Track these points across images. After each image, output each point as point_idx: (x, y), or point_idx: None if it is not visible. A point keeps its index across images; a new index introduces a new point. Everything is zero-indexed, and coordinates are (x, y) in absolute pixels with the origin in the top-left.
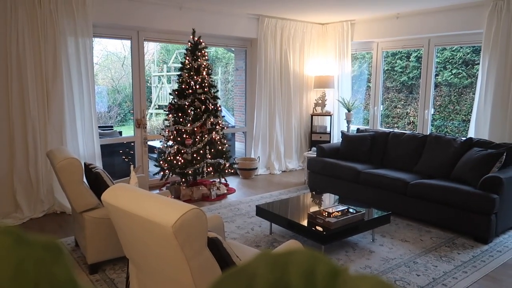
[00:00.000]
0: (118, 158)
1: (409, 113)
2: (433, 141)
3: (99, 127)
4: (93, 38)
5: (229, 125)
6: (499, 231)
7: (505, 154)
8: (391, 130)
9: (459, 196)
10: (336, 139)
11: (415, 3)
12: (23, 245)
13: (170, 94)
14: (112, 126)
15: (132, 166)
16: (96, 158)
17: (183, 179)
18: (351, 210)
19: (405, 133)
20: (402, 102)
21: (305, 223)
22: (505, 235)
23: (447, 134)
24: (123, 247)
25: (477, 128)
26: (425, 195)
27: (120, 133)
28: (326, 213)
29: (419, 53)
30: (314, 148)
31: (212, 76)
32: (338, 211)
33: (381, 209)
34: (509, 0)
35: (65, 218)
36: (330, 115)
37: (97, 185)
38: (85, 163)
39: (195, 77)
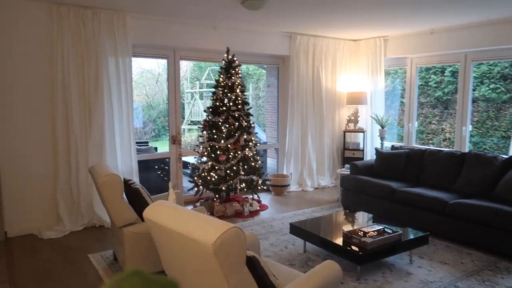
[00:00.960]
0: (153, 174)
1: (445, 129)
2: (472, 159)
3: (136, 143)
4: (132, 57)
5: (261, 141)
6: None
7: None
8: (427, 147)
9: (502, 217)
10: (369, 156)
11: (449, 18)
12: (149, 284)
13: (204, 111)
14: (147, 142)
15: (170, 182)
16: (134, 173)
17: (217, 195)
18: (387, 230)
19: (442, 150)
20: (437, 118)
21: (339, 242)
22: None
23: (486, 151)
24: (162, 263)
25: None
26: (466, 215)
27: (156, 148)
28: (362, 232)
29: (454, 68)
30: (347, 165)
31: (245, 93)
32: (374, 231)
33: (417, 229)
34: None
35: (103, 231)
36: (363, 132)
37: (136, 200)
38: (124, 179)
39: (228, 94)
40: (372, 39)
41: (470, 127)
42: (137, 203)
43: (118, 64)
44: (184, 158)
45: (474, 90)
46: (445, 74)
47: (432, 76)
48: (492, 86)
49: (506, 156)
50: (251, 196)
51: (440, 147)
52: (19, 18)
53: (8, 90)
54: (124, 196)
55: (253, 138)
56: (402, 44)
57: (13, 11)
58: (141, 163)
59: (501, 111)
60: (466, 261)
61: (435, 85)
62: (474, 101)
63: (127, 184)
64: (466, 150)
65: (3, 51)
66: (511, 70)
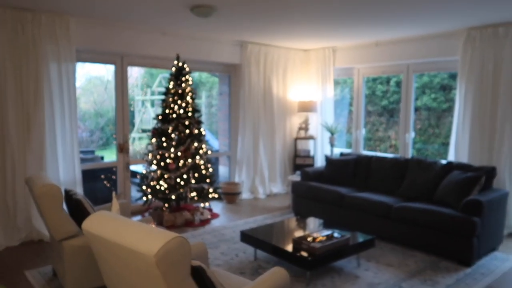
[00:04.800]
0: (100, 184)
1: (391, 136)
2: (415, 164)
3: (80, 151)
4: (76, 63)
5: (213, 149)
6: (481, 254)
7: (484, 177)
8: (374, 153)
9: (441, 219)
10: (320, 162)
11: (393, 31)
12: None
13: (153, 118)
14: (93, 151)
15: (114, 192)
16: (77, 184)
17: (166, 205)
18: (336, 235)
19: (387, 156)
20: (384, 126)
21: (289, 248)
22: (487, 258)
23: (428, 157)
24: (103, 276)
25: (457, 151)
26: (409, 219)
27: (102, 157)
28: (311, 238)
29: (398, 78)
30: (298, 172)
31: (196, 101)
32: (323, 236)
33: (365, 233)
34: (482, 30)
35: (42, 246)
36: (314, 139)
37: (78, 212)
38: (65, 190)
39: (179, 101)
40: (321, 49)
41: (413, 134)
42: (79, 214)
43: (61, 70)
44: (133, 167)
45: (416, 99)
46: (390, 84)
47: (379, 86)
48: (432, 96)
49: (445, 161)
50: (202, 205)
51: (387, 154)
52: None
53: None
54: (65, 207)
55: (204, 146)
56: (350, 54)
57: None
58: (86, 173)
59: (441, 119)
60: (410, 262)
61: (381, 94)
62: (416, 110)
63: (68, 195)
64: (410, 156)
65: None
66: (449, 81)
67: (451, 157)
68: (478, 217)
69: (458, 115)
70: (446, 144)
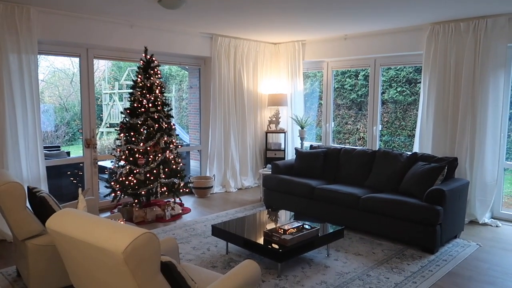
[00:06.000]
0: (66, 180)
1: (359, 129)
2: (381, 156)
3: (45, 147)
4: (38, 55)
5: (184, 143)
6: (444, 241)
7: (446, 167)
8: (343, 146)
9: (406, 209)
10: (290, 155)
11: (360, 26)
12: None
13: (121, 112)
14: (59, 146)
15: (80, 189)
16: (41, 180)
17: (136, 200)
18: (306, 226)
19: (355, 149)
20: (353, 119)
21: (261, 241)
22: (449, 245)
23: (395, 149)
24: (70, 276)
25: (421, 142)
26: (376, 209)
27: (68, 153)
28: (282, 230)
29: (366, 72)
30: (269, 165)
31: (166, 94)
32: (293, 228)
33: (335, 224)
34: (445, 25)
35: (5, 246)
36: (284, 132)
37: (42, 210)
38: (28, 187)
39: (147, 95)
40: (291, 42)
41: (380, 127)
42: (43, 212)
43: (22, 62)
44: (101, 163)
45: (383, 93)
46: (358, 78)
47: (348, 79)
48: (399, 89)
49: (410, 153)
50: (173, 200)
51: (356, 146)
52: None
53: None
54: (28, 205)
55: (174, 140)
56: (319, 48)
57: None
58: (51, 169)
59: (407, 112)
60: (377, 251)
61: (350, 88)
62: (383, 103)
63: (31, 192)
64: (377, 148)
65: None
66: (415, 75)
67: (416, 148)
68: (441, 206)
69: (422, 107)
70: (411, 136)
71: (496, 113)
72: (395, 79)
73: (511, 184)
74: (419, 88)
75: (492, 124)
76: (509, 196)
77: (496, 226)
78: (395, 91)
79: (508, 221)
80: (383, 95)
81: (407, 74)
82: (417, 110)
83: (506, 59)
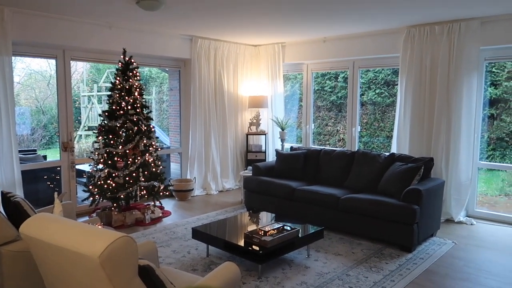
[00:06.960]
0: (42, 185)
1: (339, 130)
2: (360, 157)
3: (21, 151)
4: (13, 57)
5: (164, 146)
6: (421, 240)
7: (423, 167)
8: (323, 147)
9: (384, 209)
10: (271, 157)
11: (339, 28)
12: None
13: (100, 115)
14: (35, 150)
15: (56, 193)
16: (17, 185)
17: (115, 204)
18: (286, 228)
19: (335, 150)
20: (333, 120)
21: (241, 243)
22: (426, 243)
23: (373, 150)
24: (45, 283)
25: (399, 143)
26: (355, 209)
27: (45, 157)
28: (262, 231)
29: (346, 74)
30: (250, 167)
31: (145, 97)
32: (274, 229)
33: (315, 225)
34: (420, 28)
35: None
36: (265, 134)
37: (17, 215)
38: (2, 192)
39: (126, 97)
40: (271, 45)
41: (359, 128)
42: (18, 218)
43: None
44: (79, 166)
45: (362, 94)
46: (338, 80)
47: (327, 81)
48: (377, 91)
49: (388, 154)
50: (153, 203)
51: (336, 148)
52: None
53: None
54: (2, 211)
55: (153, 143)
56: (299, 50)
57: None
58: (27, 173)
59: (385, 113)
60: (357, 251)
61: (330, 90)
62: (362, 104)
63: (6, 197)
64: (356, 149)
65: None
66: (393, 77)
67: (394, 149)
68: (417, 205)
69: (399, 109)
70: (390, 137)
71: (470, 114)
72: (373, 81)
73: (485, 183)
74: (397, 90)
75: (466, 125)
76: (483, 194)
77: (471, 224)
78: (374, 93)
79: (482, 219)
80: (362, 97)
81: (385, 76)
82: (395, 112)
83: (479, 62)
